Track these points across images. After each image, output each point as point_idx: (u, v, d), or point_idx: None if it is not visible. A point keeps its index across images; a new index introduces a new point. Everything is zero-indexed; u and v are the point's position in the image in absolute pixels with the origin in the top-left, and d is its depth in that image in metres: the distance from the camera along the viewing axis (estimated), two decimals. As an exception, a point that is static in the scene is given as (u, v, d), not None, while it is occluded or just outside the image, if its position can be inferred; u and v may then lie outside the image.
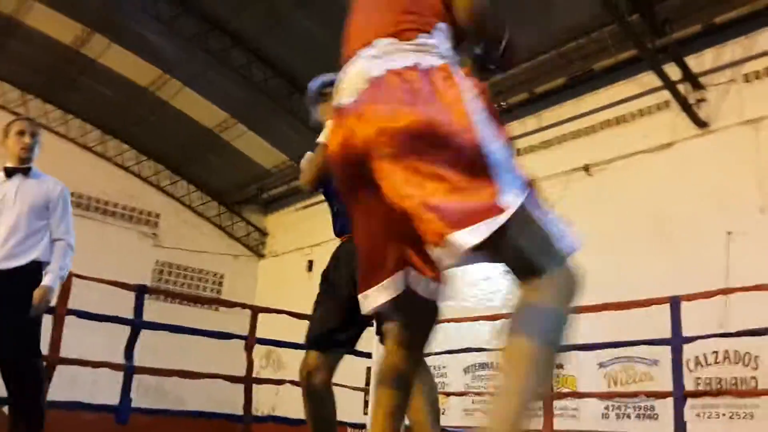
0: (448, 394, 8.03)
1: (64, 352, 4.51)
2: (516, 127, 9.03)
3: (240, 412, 5.25)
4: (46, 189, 3.59)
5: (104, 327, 4.91)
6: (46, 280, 3.40)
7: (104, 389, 6.07)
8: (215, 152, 12.28)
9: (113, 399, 4.74)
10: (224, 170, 12.78)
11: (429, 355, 5.99)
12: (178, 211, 13.08)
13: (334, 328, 2.82)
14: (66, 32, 10.31)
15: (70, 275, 4.28)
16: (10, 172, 3.63)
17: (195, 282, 12.93)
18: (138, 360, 4.88)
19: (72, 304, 4.56)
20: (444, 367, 8.97)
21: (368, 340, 5.66)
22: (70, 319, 4.54)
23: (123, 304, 5.34)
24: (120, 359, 4.81)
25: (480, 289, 8.99)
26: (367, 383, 8.18)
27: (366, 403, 8.63)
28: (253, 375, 5.56)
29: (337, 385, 5.59)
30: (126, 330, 4.92)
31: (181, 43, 9.69)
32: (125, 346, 4.63)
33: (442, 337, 6.56)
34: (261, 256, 13.58)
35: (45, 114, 11.96)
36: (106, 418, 4.36)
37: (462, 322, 6.10)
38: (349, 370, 7.04)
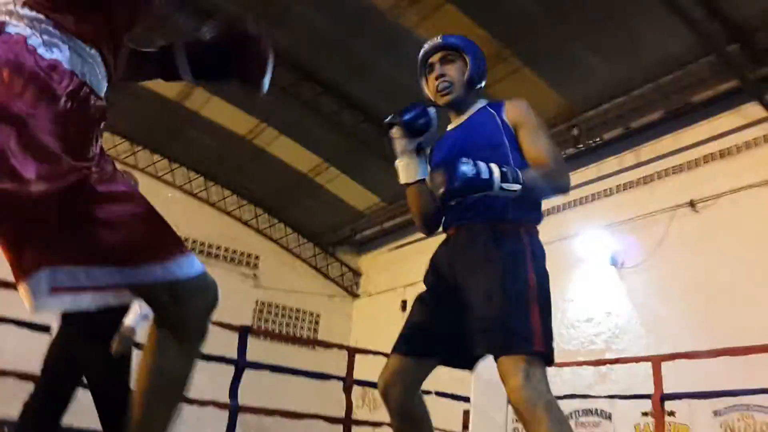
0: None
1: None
2: (613, 163, 8.82)
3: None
4: None
5: (206, 365, 5.10)
6: (128, 320, 3.58)
7: (208, 427, 6.27)
8: (310, 195, 12.66)
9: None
10: (319, 212, 13.13)
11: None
12: (277, 253, 13.52)
13: (430, 331, 2.30)
14: (170, 87, 11.02)
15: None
16: None
17: (293, 321, 13.24)
18: (239, 398, 5.02)
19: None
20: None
21: (462, 380, 5.60)
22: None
23: (225, 342, 5.53)
24: (220, 397, 4.97)
25: (581, 331, 8.71)
26: (465, 427, 8.03)
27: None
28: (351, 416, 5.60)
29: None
30: (225, 368, 5.08)
31: (276, 93, 10.14)
32: (230, 385, 4.77)
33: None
34: (355, 296, 13.75)
35: (153, 164, 12.76)
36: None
37: (563, 366, 5.92)
38: (443, 414, 6.96)
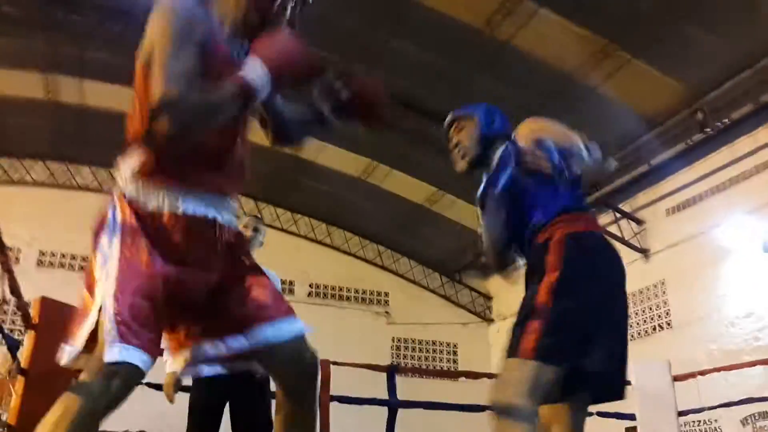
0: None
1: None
2: (747, 142, 8.17)
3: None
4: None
5: (355, 408, 5.10)
6: None
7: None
8: (430, 225, 12.66)
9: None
10: (440, 241, 13.09)
11: (698, 411, 5.39)
12: (404, 287, 13.58)
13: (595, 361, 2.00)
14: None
15: (328, 363, 4.55)
16: None
17: (430, 354, 13.18)
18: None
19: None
20: (715, 420, 8.02)
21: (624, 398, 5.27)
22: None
23: (368, 383, 5.53)
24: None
25: (741, 327, 8.02)
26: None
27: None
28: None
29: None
30: (374, 409, 5.06)
31: (389, 133, 10.28)
32: (386, 426, 4.74)
33: (707, 386, 5.89)
34: (489, 320, 13.50)
35: (277, 217, 13.29)
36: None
37: (728, 370, 5.44)
38: (607, 432, 6.59)
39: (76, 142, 11.67)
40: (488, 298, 13.67)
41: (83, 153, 12.03)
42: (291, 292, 13.01)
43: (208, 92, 1.42)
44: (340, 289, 13.20)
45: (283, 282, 14.43)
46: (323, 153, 11.53)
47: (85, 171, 12.41)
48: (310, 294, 13.13)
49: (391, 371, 5.12)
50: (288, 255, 13.12)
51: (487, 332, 13.50)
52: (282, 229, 13.32)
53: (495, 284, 13.51)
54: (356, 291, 13.32)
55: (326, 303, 13.01)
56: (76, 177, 12.43)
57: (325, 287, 13.06)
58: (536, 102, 8.93)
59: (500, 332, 13.03)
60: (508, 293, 12.91)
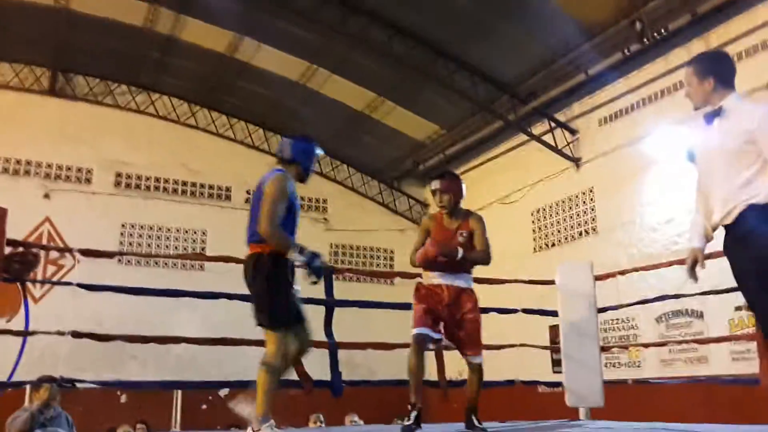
0: (646, 346, 7.64)
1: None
2: (682, 53, 8.33)
3: (430, 378, 5.37)
4: None
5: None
6: None
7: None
8: (369, 132, 12.60)
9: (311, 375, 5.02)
10: (380, 148, 13.09)
11: (617, 307, 5.72)
12: (343, 194, 13.65)
13: None
14: (218, 41, 11.02)
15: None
16: None
17: (368, 260, 13.46)
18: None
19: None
20: (633, 318, 8.58)
21: (544, 296, 5.55)
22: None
23: (307, 286, 5.62)
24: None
25: (661, 233, 8.46)
26: (552, 342, 8.05)
27: (555, 361, 8.50)
28: (439, 342, 5.66)
29: (524, 345, 5.53)
30: (312, 310, 5.19)
31: (322, 31, 9.98)
32: (324, 324, 4.87)
33: (628, 287, 6.32)
34: (426, 227, 13.79)
35: (212, 121, 12.96)
36: (319, 392, 4.63)
37: (648, 270, 5.78)
38: (528, 331, 6.95)
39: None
40: (425, 205, 13.89)
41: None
42: (228, 198, 12.89)
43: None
44: (279, 195, 13.17)
45: (219, 188, 14.22)
46: (260, 54, 11.16)
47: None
48: (248, 200, 13.03)
49: (330, 272, 5.21)
50: (224, 160, 12.90)
51: (423, 239, 13.80)
52: (217, 134, 13.02)
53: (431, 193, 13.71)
54: (296, 197, 13.32)
55: (264, 209, 13.00)
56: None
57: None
58: (482, 8, 8.81)
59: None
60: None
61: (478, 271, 4.18)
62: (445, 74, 9.98)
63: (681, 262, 6.01)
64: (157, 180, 12.51)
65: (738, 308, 7.04)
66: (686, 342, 7.29)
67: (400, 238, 13.50)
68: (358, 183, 13.81)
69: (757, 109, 2.63)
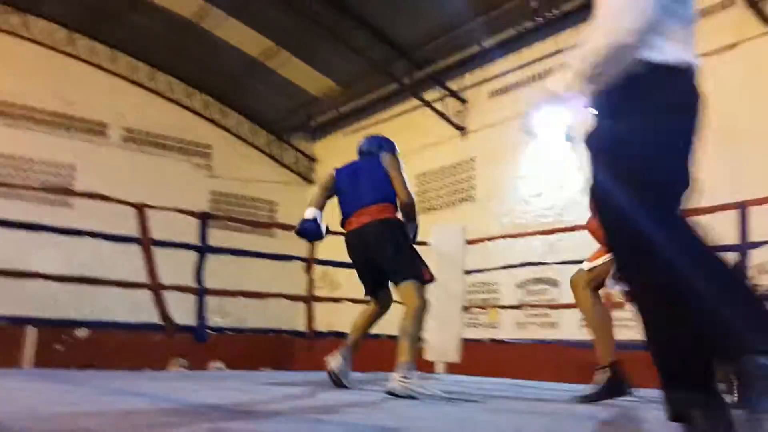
0: (504, 308, 8.11)
1: (132, 277, 4.69)
2: (571, 34, 8.70)
3: (298, 329, 5.46)
4: None
5: (164, 253, 5.09)
6: None
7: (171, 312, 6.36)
8: (262, 81, 12.29)
9: (178, 321, 4.96)
10: (272, 99, 12.82)
11: (482, 271, 6.01)
12: (229, 142, 13.29)
13: None
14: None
15: (143, 206, 4.43)
16: None
17: (250, 210, 13.24)
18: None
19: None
20: (496, 283, 9.05)
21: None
22: (136, 247, 4.75)
23: (182, 232, 5.51)
24: (182, 283, 5.01)
25: (532, 206, 8.92)
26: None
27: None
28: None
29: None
30: (185, 256, 5.10)
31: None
32: (195, 270, 4.80)
33: (495, 254, 6.64)
34: (311, 182, 13.74)
35: (94, 52, 12.14)
36: (183, 337, 4.59)
37: (515, 237, 6.11)
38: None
39: None
40: (313, 160, 13.84)
41: None
42: (102, 134, 12.20)
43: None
44: (158, 136, 12.62)
45: (94, 123, 13.41)
46: (151, -15, 10.55)
47: None
48: (126, 139, 12.43)
49: (203, 217, 5.13)
50: (102, 94, 12.15)
51: (308, 194, 13.77)
52: (98, 66, 12.22)
53: (322, 147, 13.68)
54: (177, 140, 12.81)
55: (143, 150, 12.44)
56: None
57: (142, 132, 12.42)
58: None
59: (321, 194, 13.30)
60: (334, 158, 13.14)
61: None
62: (346, 31, 9.90)
63: (545, 233, 6.43)
64: (24, 108, 11.60)
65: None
66: (539, 306, 7.83)
67: (284, 190, 13.40)
68: (245, 131, 13.49)
69: None
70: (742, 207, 4.41)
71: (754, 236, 4.38)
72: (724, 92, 6.99)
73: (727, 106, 6.93)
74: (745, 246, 4.35)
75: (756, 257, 4.54)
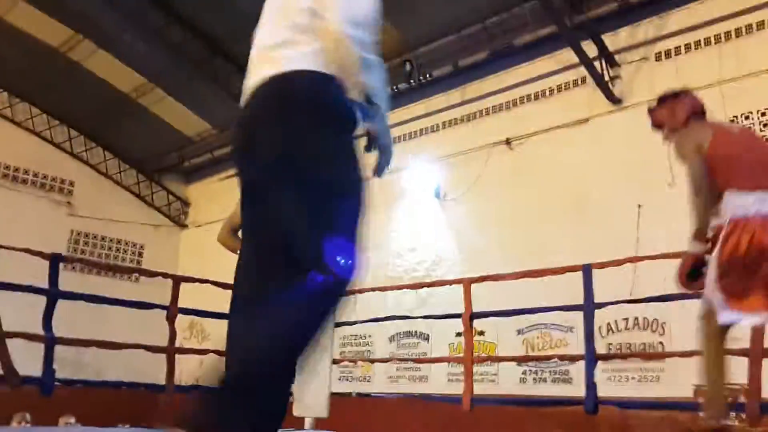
0: (372, 361, 8.16)
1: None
2: (441, 99, 9.16)
3: (161, 383, 5.18)
4: None
5: (14, 298, 4.71)
6: None
7: (19, 363, 5.84)
8: (133, 118, 11.81)
9: (27, 372, 4.57)
10: (143, 137, 12.34)
11: (354, 323, 6.06)
12: (94, 179, 12.56)
13: None
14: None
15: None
16: None
17: (114, 252, 12.51)
18: (54, 332, 4.70)
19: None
20: (369, 336, 9.10)
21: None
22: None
23: (36, 274, 5.12)
24: (31, 331, 4.63)
25: (405, 259, 9.14)
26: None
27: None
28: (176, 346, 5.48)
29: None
30: (38, 301, 4.73)
31: (95, 2, 9.23)
32: (43, 316, 4.45)
33: (367, 306, 6.69)
34: (183, 226, 13.28)
35: (-55, 74, 11.19)
36: (29, 390, 4.20)
37: (387, 290, 6.21)
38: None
39: None
40: (186, 203, 13.40)
41: None
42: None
43: None
44: (15, 170, 11.72)
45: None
46: (17, 10, 9.95)
47: None
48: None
49: (55, 259, 4.78)
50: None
51: (179, 237, 13.29)
52: (-50, 90, 11.28)
53: (195, 191, 13.30)
54: (35, 174, 11.94)
55: (-4, 182, 11.52)
56: None
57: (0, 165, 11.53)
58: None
59: (192, 239, 12.91)
60: (208, 202, 12.81)
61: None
62: (223, 74, 9.80)
63: (414, 287, 6.58)
64: None
65: (458, 334, 7.86)
66: (408, 360, 7.95)
67: (153, 233, 12.83)
68: (113, 169, 12.83)
69: None
70: (587, 269, 4.74)
71: (599, 298, 4.75)
72: (576, 163, 7.64)
73: (578, 176, 7.56)
74: (590, 305, 4.70)
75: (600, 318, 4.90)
